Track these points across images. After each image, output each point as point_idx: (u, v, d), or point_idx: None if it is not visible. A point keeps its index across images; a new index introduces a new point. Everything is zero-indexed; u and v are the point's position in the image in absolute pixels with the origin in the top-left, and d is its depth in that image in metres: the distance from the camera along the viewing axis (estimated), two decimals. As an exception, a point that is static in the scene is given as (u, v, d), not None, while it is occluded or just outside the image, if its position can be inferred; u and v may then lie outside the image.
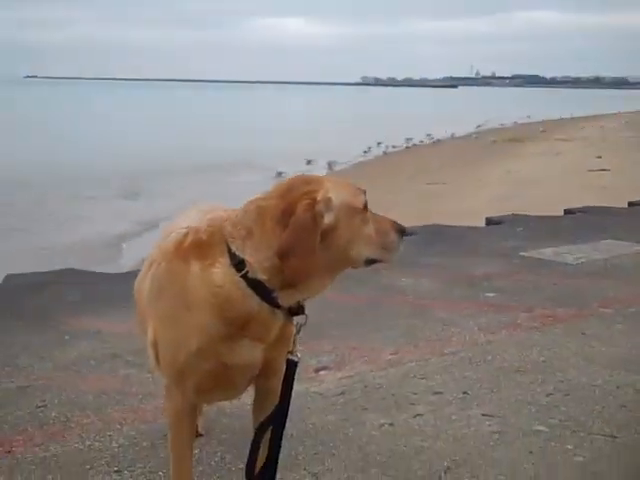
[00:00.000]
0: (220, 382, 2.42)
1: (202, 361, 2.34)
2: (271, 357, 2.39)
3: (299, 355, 2.43)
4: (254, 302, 2.26)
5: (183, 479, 2.52)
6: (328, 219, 2.22)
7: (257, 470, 2.46)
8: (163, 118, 53.72)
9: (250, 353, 2.34)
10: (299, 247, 2.18)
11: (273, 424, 2.44)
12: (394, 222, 2.41)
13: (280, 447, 2.46)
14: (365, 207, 2.32)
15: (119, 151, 27.98)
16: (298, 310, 2.34)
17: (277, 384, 2.45)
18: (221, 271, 2.27)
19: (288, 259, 2.18)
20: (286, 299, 2.28)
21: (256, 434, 2.45)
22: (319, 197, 2.22)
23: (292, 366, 2.43)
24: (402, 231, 2.40)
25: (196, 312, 2.30)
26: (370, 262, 2.36)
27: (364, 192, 2.35)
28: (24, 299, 5.79)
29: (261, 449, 2.47)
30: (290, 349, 2.42)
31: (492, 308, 5.40)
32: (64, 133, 37.66)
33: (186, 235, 2.38)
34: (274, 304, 2.27)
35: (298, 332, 2.41)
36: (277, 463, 2.47)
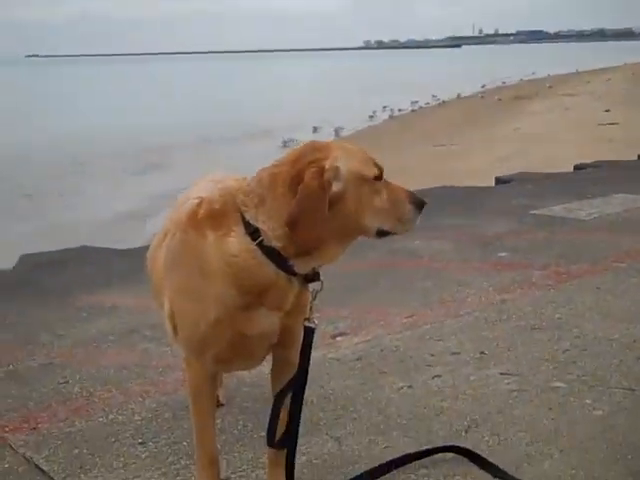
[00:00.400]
0: (239, 351, 2.43)
1: (220, 331, 2.35)
2: (288, 325, 2.40)
3: (316, 322, 2.43)
4: (270, 270, 2.26)
5: (207, 448, 2.55)
6: (336, 187, 2.20)
7: (278, 437, 2.48)
8: (166, 92, 53.51)
9: (267, 322, 2.35)
10: (307, 215, 2.17)
11: (293, 390, 2.45)
12: (411, 193, 2.34)
13: (300, 413, 2.48)
14: (377, 177, 2.28)
15: (127, 127, 27.95)
16: (314, 277, 2.34)
17: (295, 353, 2.46)
18: (236, 240, 2.26)
19: (297, 227, 2.18)
20: (301, 266, 2.28)
21: (275, 401, 2.47)
22: (327, 165, 2.20)
23: (310, 333, 2.43)
24: (420, 204, 2.33)
25: (212, 282, 2.30)
26: (383, 233, 2.33)
27: (375, 162, 2.30)
28: (40, 278, 5.84)
29: (282, 416, 2.49)
30: (307, 316, 2.42)
31: (505, 267, 5.40)
32: (71, 111, 37.62)
33: (199, 205, 2.37)
34: (290, 272, 2.27)
35: (314, 298, 2.40)
36: (298, 429, 2.49)
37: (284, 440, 2.48)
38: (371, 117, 30.87)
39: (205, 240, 2.31)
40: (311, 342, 2.44)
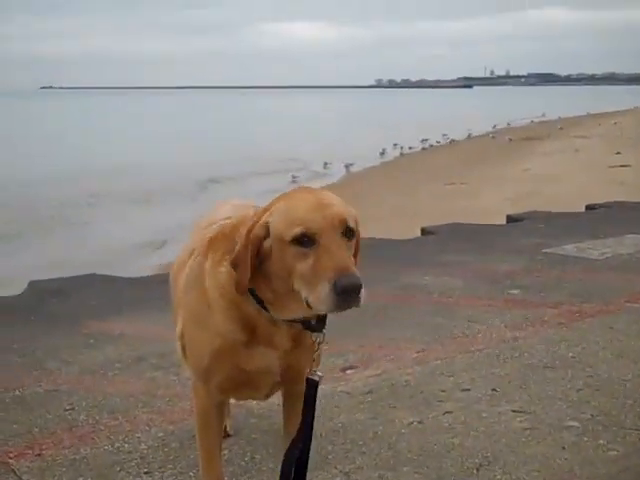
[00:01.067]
0: (241, 384, 2.40)
1: (221, 363, 2.34)
2: (290, 364, 2.34)
3: (320, 374, 2.33)
4: (252, 308, 2.24)
5: (213, 476, 2.50)
6: (267, 243, 2.15)
7: None
8: (180, 127, 53.94)
9: (265, 359, 2.31)
10: (239, 262, 2.16)
11: (297, 450, 2.34)
12: (337, 271, 1.99)
13: (306, 470, 2.37)
14: (298, 240, 2.05)
15: (131, 160, 28.15)
16: (314, 326, 2.26)
17: (301, 388, 2.39)
18: (226, 270, 2.25)
19: (235, 271, 2.17)
20: (274, 312, 2.22)
21: (283, 463, 2.34)
22: (262, 219, 2.16)
23: (312, 386, 2.32)
24: (340, 288, 1.96)
25: (213, 313, 2.30)
26: (308, 305, 2.08)
27: (304, 223, 2.05)
28: (48, 304, 5.82)
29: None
30: (311, 365, 2.33)
31: (517, 305, 5.35)
32: (82, 141, 37.93)
33: (222, 227, 2.39)
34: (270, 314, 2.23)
35: (317, 349, 2.29)
36: None
37: None
38: (382, 154, 31.01)
39: (205, 266, 2.32)
40: (314, 396, 2.33)
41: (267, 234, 2.13)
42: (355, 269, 2.02)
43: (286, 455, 2.33)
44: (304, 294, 2.05)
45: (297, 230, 2.05)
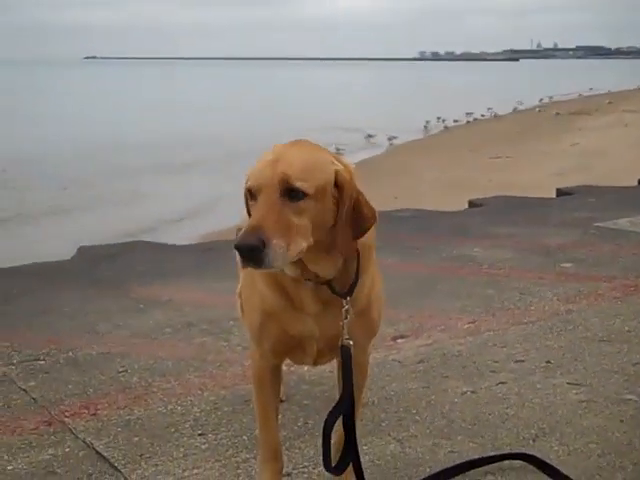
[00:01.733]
0: (290, 348, 2.39)
1: (269, 326, 2.34)
2: (329, 331, 2.30)
3: (350, 342, 2.28)
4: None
5: (269, 441, 2.50)
6: None
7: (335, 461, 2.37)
8: (226, 96, 54.03)
9: (304, 324, 2.29)
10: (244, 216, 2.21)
11: (341, 413, 2.33)
12: (251, 223, 1.98)
13: (355, 435, 2.36)
14: (250, 194, 2.08)
15: (185, 129, 28.28)
16: (341, 290, 2.23)
17: (355, 354, 2.36)
18: None
19: None
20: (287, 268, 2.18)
21: (325, 426, 2.32)
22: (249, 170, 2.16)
23: (344, 352, 2.30)
24: (235, 244, 1.96)
25: (257, 276, 2.31)
26: None
27: (254, 177, 2.06)
28: (98, 269, 5.88)
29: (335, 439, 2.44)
30: (341, 335, 2.30)
31: (570, 278, 5.25)
32: (129, 110, 38.23)
33: None
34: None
35: (345, 317, 2.25)
36: (356, 452, 2.38)
37: (340, 465, 2.37)
38: (426, 127, 30.70)
39: None
40: (348, 361, 2.30)
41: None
42: (259, 230, 1.95)
43: (327, 420, 2.33)
44: None
45: (247, 184, 2.09)
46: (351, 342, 2.29)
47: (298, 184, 2.02)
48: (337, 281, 2.23)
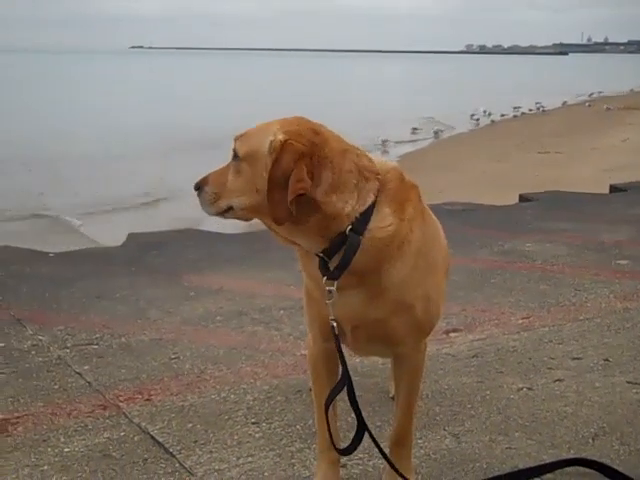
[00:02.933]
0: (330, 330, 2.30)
1: (310, 308, 2.37)
2: (358, 312, 2.23)
3: (334, 324, 2.23)
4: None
5: (324, 427, 2.45)
6: None
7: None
8: (271, 85, 54.15)
9: (332, 306, 2.21)
10: None
11: (339, 390, 2.32)
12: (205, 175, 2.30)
13: (360, 414, 2.32)
14: (235, 154, 2.23)
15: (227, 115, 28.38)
16: (337, 272, 2.16)
17: (404, 351, 2.36)
18: None
19: None
20: None
21: (324, 406, 2.36)
22: None
23: (331, 330, 2.26)
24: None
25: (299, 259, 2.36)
26: None
27: (238, 141, 2.23)
28: (147, 256, 5.90)
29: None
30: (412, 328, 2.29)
31: (626, 275, 5.14)
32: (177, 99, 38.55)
33: None
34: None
35: (329, 298, 2.18)
36: (365, 426, 2.33)
37: (350, 446, 2.35)
38: (472, 121, 30.38)
39: None
40: (337, 340, 2.26)
41: None
42: (204, 179, 2.28)
43: (328, 396, 2.37)
44: None
45: (234, 144, 2.27)
46: (334, 323, 2.24)
47: (235, 146, 2.23)
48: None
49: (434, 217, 2.42)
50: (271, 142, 2.11)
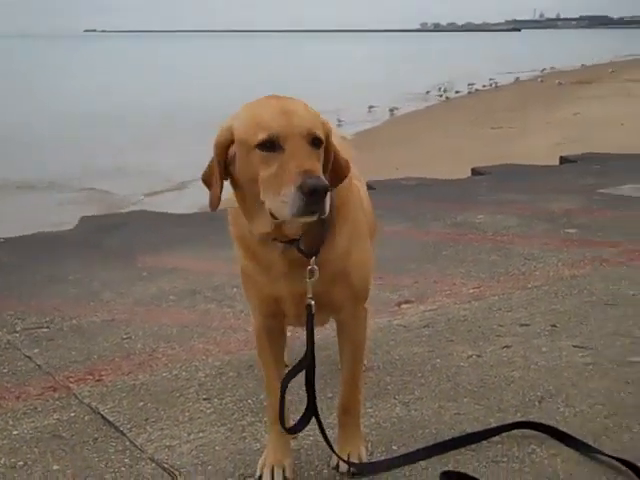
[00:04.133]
0: (273, 308, 2.36)
1: (249, 287, 2.37)
2: (298, 290, 2.24)
3: (312, 302, 2.24)
4: (245, 228, 2.19)
5: (275, 402, 2.47)
6: (232, 151, 2.08)
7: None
8: (225, 68, 53.70)
9: (271, 284, 2.26)
10: (207, 176, 2.13)
11: (301, 370, 2.34)
12: (303, 174, 1.90)
13: (314, 394, 2.37)
14: (263, 145, 1.98)
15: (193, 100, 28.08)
16: (307, 250, 2.18)
17: (344, 318, 2.41)
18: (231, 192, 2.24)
19: (206, 186, 2.14)
20: (252, 228, 2.14)
21: (282, 384, 2.37)
22: (227, 123, 2.10)
23: (307, 311, 2.27)
24: (307, 189, 1.88)
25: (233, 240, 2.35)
26: (272, 215, 2.01)
27: (268, 127, 1.98)
28: (100, 239, 5.86)
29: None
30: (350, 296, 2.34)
31: (574, 243, 5.23)
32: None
33: None
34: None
35: (310, 277, 2.19)
36: (315, 410, 2.38)
37: (298, 425, 2.39)
38: (427, 98, 30.49)
39: None
40: (309, 319, 2.27)
41: (232, 139, 2.07)
42: (322, 175, 1.96)
43: (284, 379, 2.38)
44: (268, 202, 1.98)
45: (263, 134, 1.98)
46: (312, 302, 2.25)
47: (319, 133, 2.03)
48: (307, 241, 2.18)
49: (355, 182, 2.42)
50: (325, 124, 2.11)
